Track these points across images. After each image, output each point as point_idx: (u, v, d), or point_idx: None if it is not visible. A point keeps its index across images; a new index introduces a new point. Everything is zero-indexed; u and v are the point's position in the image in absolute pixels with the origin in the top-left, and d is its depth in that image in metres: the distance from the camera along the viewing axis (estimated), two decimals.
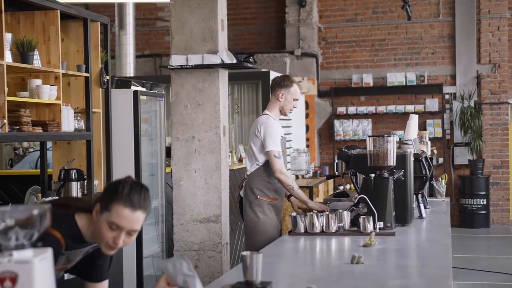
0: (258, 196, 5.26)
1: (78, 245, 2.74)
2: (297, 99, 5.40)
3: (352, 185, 12.36)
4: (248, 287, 2.71)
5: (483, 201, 12.35)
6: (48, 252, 1.79)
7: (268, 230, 5.23)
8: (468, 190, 12.41)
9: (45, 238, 2.55)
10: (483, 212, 12.38)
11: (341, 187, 12.43)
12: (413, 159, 4.78)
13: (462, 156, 12.70)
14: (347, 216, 4.38)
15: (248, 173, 5.36)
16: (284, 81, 5.37)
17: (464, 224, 12.38)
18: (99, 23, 5.97)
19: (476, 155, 12.51)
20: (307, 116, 12.47)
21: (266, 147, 5.17)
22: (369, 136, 4.50)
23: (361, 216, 4.28)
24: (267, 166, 5.23)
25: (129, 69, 10.48)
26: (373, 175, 4.45)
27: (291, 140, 10.71)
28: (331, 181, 11.62)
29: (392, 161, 4.44)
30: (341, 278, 3.07)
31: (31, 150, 9.32)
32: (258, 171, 5.26)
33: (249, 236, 5.33)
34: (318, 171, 11.41)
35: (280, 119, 5.44)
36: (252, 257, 2.72)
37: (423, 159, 5.11)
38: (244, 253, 2.73)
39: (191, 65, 5.84)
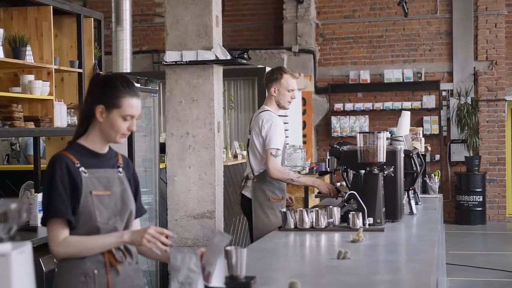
0: (270, 198, 5.17)
1: (93, 160, 2.90)
2: (292, 90, 5.28)
3: None
4: (232, 282, 2.74)
5: (479, 198, 12.38)
6: (27, 246, 1.81)
7: None
8: (464, 186, 12.43)
9: (55, 158, 2.84)
10: (480, 209, 12.41)
11: (338, 184, 12.45)
12: (403, 155, 4.79)
13: (459, 153, 12.72)
14: (337, 212, 4.40)
15: (255, 174, 5.22)
16: (274, 75, 5.29)
17: (460, 221, 12.41)
18: (92, 18, 5.98)
19: (472, 152, 12.53)
20: (304, 112, 12.49)
21: (267, 144, 5.10)
22: (359, 133, 4.51)
23: (351, 212, 4.30)
24: None
25: (126, 65, 10.47)
26: (363, 171, 4.46)
27: (288, 137, 10.73)
28: (327, 177, 11.64)
29: (382, 157, 4.45)
30: (325, 273, 3.09)
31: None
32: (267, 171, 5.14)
33: (259, 237, 5.13)
34: (315, 168, 11.42)
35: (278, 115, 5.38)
36: (237, 252, 2.75)
37: (414, 156, 5.13)
38: (229, 248, 2.76)
39: (186, 61, 5.85)
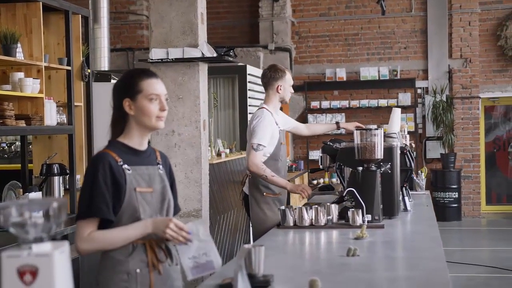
0: (265, 193, 5.18)
1: (134, 157, 2.89)
2: (292, 84, 5.45)
3: (327, 179, 12.46)
4: (250, 280, 2.70)
5: (454, 195, 12.50)
6: (66, 245, 1.76)
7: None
8: (440, 183, 12.55)
9: (98, 157, 2.84)
10: (455, 205, 12.54)
11: (315, 181, 12.49)
12: (399, 152, 4.80)
13: (434, 150, 12.83)
14: (335, 209, 4.39)
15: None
16: (278, 73, 5.35)
17: (436, 217, 12.48)
18: (80, 15, 5.89)
19: (448, 149, 12.65)
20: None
21: (251, 138, 5.12)
22: (356, 129, 4.51)
23: (350, 209, 4.29)
24: (269, 162, 5.16)
25: (104, 63, 10.35)
26: (360, 168, 4.45)
27: None
28: (306, 175, 11.67)
29: (379, 154, 4.45)
30: (339, 271, 3.07)
31: (3, 145, 9.19)
32: None
33: (258, 233, 5.12)
34: (293, 166, 11.45)
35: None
36: (255, 250, 2.72)
37: (408, 152, 5.15)
38: (247, 246, 2.72)
39: (172, 59, 5.80)
